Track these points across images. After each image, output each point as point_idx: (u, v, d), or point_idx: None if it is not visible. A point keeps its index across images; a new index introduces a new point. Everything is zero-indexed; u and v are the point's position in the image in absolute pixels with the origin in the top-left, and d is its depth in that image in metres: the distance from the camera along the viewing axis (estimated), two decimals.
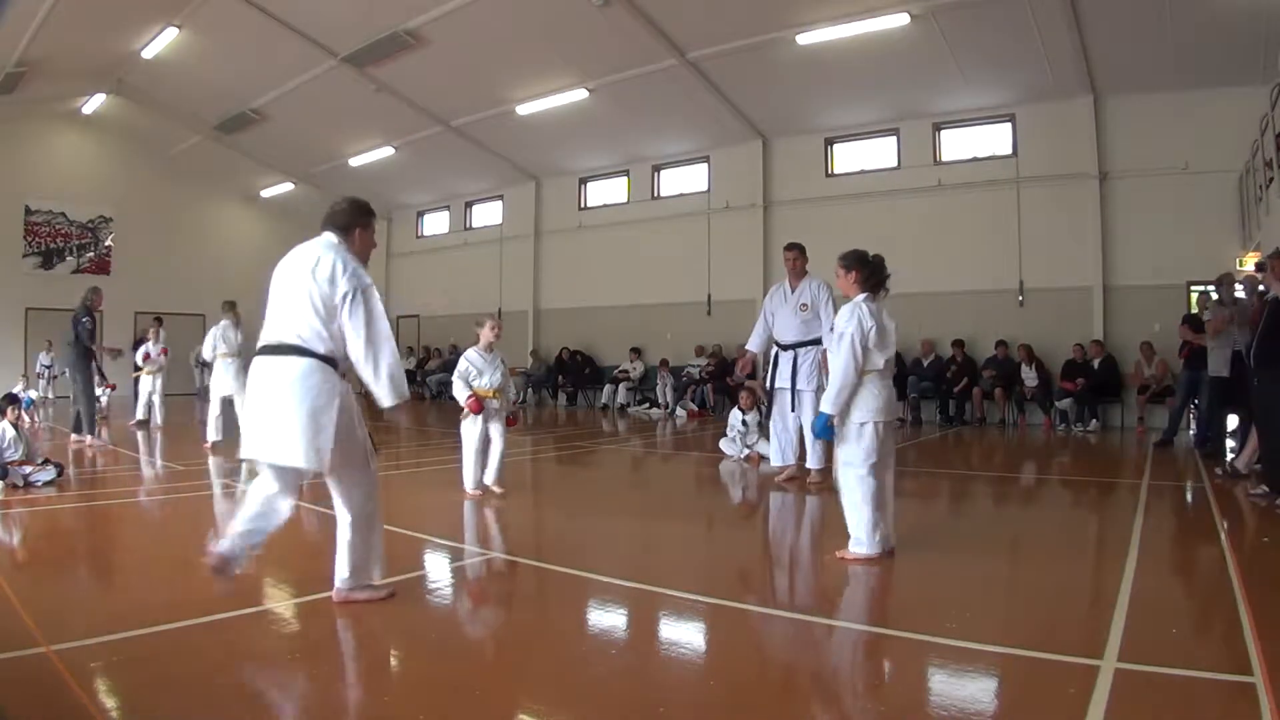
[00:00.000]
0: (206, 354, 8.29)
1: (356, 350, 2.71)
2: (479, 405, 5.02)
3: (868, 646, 2.50)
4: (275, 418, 2.69)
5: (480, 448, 5.12)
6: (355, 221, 2.93)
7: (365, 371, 2.73)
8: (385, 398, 2.75)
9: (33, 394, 10.21)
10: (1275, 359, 4.99)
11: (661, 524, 4.07)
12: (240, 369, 8.02)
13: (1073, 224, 10.95)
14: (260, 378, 2.77)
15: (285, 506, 2.74)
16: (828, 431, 3.52)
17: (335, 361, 2.75)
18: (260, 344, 2.81)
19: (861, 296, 3.60)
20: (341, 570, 2.82)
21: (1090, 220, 10.80)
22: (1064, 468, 7.51)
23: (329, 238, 2.89)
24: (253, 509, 2.70)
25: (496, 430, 5.20)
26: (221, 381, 7.97)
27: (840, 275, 3.69)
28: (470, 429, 5.13)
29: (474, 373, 5.11)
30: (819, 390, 5.73)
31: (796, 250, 5.91)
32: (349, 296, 2.69)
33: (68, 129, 16.22)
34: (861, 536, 3.45)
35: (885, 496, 3.52)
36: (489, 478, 5.19)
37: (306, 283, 2.72)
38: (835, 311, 5.64)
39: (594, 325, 15.41)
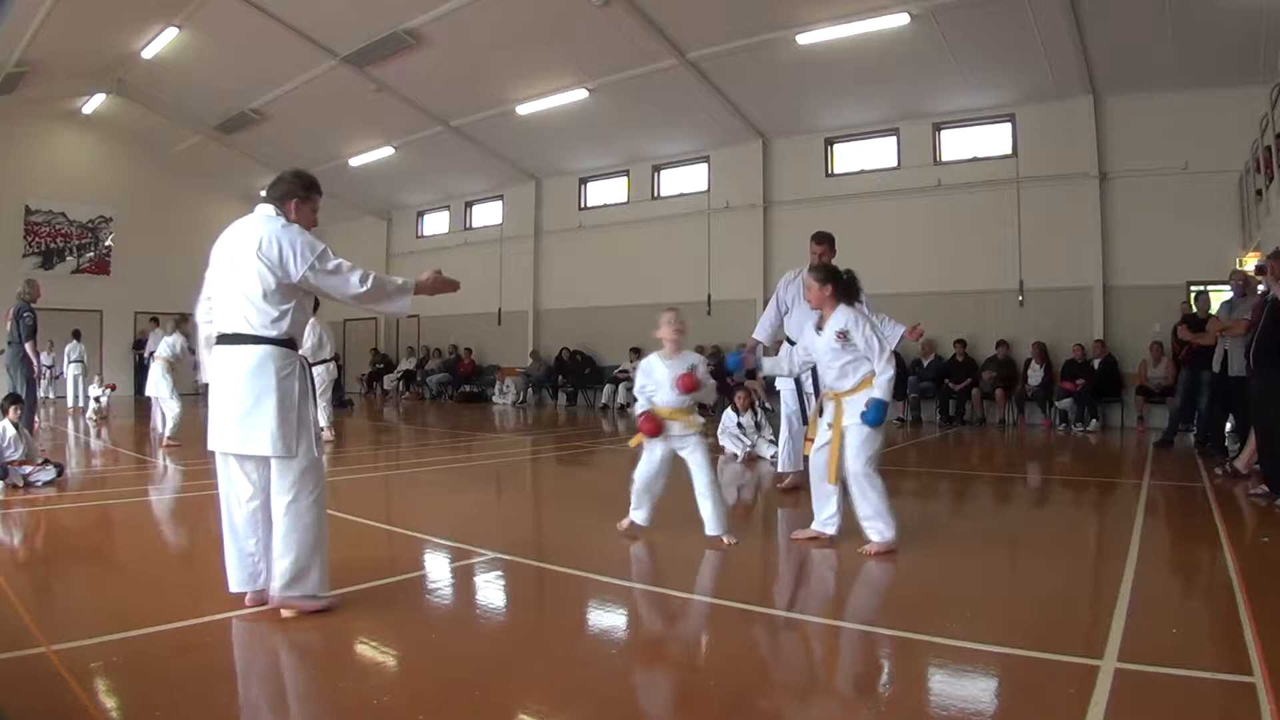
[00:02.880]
0: (162, 353, 8.57)
1: (350, 303, 2.82)
2: (654, 426, 3.83)
3: (867, 646, 2.50)
4: (239, 409, 2.64)
5: (654, 476, 3.94)
6: (292, 193, 2.86)
7: (372, 309, 2.93)
8: (400, 311, 2.89)
9: None
10: (1275, 359, 5.00)
11: (661, 523, 4.06)
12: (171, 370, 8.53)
13: (1073, 224, 10.95)
14: (220, 369, 2.71)
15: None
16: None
17: (293, 342, 2.74)
18: (217, 333, 2.76)
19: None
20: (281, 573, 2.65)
21: (1090, 220, 10.79)
22: (1064, 468, 7.51)
23: (266, 211, 2.82)
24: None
25: (695, 460, 3.88)
26: (155, 383, 8.43)
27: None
28: (647, 453, 3.94)
29: (651, 387, 3.92)
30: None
31: (826, 244, 5.39)
32: (311, 273, 2.69)
33: (68, 129, 16.23)
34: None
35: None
36: (711, 527, 3.85)
37: (253, 264, 2.66)
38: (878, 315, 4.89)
39: (594, 325, 15.41)
